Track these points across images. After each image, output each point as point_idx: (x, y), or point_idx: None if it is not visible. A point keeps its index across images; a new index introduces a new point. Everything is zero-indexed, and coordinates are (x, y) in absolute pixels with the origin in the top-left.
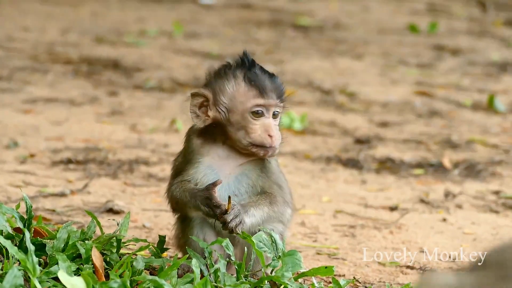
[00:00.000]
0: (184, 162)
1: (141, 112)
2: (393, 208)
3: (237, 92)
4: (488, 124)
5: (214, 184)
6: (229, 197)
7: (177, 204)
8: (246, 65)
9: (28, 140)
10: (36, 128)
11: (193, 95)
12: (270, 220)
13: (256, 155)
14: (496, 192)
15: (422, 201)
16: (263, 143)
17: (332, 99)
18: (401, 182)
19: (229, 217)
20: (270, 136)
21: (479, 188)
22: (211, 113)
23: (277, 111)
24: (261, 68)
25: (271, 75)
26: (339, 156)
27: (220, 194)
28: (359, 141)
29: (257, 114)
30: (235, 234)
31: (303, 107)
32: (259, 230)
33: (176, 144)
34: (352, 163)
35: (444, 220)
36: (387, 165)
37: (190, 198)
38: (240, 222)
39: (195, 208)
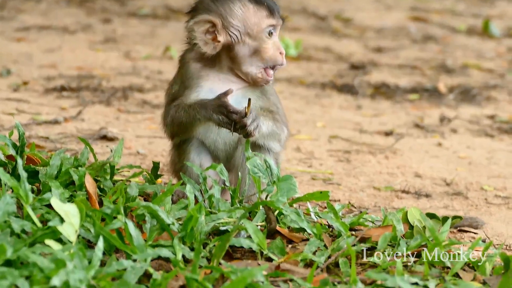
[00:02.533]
0: (182, 88)
1: (134, 39)
2: (388, 133)
3: (247, 14)
4: (483, 49)
5: (225, 94)
6: (249, 100)
7: (179, 126)
8: None
9: (21, 68)
10: (29, 56)
11: (197, 23)
12: (271, 136)
13: (260, 81)
14: (491, 116)
15: (417, 126)
16: (276, 61)
17: (327, 25)
18: (396, 107)
19: (248, 120)
20: (281, 53)
21: (474, 112)
22: (221, 38)
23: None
24: None
25: None
26: (334, 82)
27: None
28: (354, 67)
29: (270, 34)
30: (251, 138)
31: (297, 33)
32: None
33: (170, 71)
34: (347, 89)
35: (439, 144)
36: (382, 91)
37: (200, 109)
38: (258, 125)
39: (205, 119)
